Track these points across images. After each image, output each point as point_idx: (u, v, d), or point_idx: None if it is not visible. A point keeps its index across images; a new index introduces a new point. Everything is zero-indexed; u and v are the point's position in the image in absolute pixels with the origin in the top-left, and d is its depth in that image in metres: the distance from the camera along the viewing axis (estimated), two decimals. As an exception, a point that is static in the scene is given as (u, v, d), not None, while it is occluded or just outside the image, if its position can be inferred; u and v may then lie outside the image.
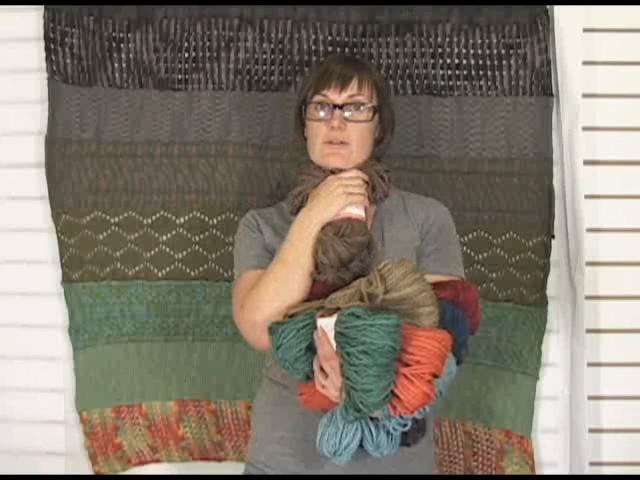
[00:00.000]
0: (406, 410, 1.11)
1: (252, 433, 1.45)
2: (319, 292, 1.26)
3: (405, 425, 1.15)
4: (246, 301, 1.30)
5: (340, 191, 1.30)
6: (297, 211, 1.35)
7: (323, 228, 1.29)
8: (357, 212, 1.31)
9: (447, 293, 1.23)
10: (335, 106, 1.36)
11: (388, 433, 1.16)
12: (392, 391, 1.11)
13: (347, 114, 1.36)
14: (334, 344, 1.12)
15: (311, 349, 1.17)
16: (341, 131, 1.35)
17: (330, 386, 1.14)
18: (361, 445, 1.17)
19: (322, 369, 1.15)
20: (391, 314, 1.10)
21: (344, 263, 1.25)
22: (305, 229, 1.30)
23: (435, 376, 1.11)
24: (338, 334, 1.11)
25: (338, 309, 1.15)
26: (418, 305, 1.14)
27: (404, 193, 1.47)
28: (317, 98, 1.38)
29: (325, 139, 1.37)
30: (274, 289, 1.27)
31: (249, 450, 1.44)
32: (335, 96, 1.37)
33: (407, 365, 1.11)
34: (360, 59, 1.62)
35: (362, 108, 1.37)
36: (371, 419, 1.15)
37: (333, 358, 1.12)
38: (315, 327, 1.15)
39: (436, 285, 1.21)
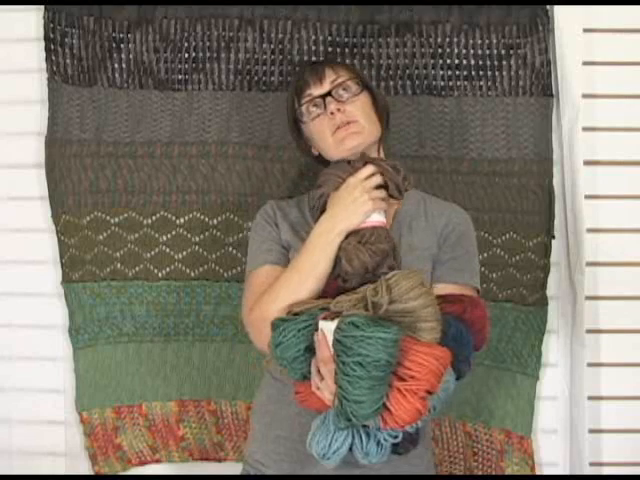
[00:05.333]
0: (396, 424, 1.09)
1: (251, 431, 1.44)
2: (332, 289, 1.25)
3: (396, 437, 1.14)
4: (255, 306, 1.28)
5: (365, 198, 1.25)
6: (319, 215, 1.31)
7: (346, 236, 1.25)
8: (378, 218, 1.27)
9: (454, 308, 1.21)
10: (324, 96, 1.36)
11: (378, 443, 1.14)
12: (384, 404, 1.09)
13: (338, 96, 1.35)
14: (332, 349, 1.12)
15: (310, 350, 1.16)
16: (342, 113, 1.34)
17: (325, 389, 1.13)
18: (351, 449, 1.16)
19: (319, 371, 1.15)
20: (391, 327, 1.08)
21: (369, 271, 1.22)
22: (326, 237, 1.25)
23: (429, 393, 1.09)
24: (336, 341, 1.10)
25: (342, 313, 1.14)
26: (421, 320, 1.12)
27: (426, 196, 1.45)
28: (304, 100, 1.38)
29: (332, 129, 1.35)
30: (284, 298, 1.24)
31: (247, 448, 1.44)
32: (318, 89, 1.37)
33: (402, 379, 1.09)
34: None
35: (348, 84, 1.36)
36: (363, 426, 1.14)
37: (330, 362, 1.11)
38: (317, 328, 1.14)
39: (444, 299, 1.20)
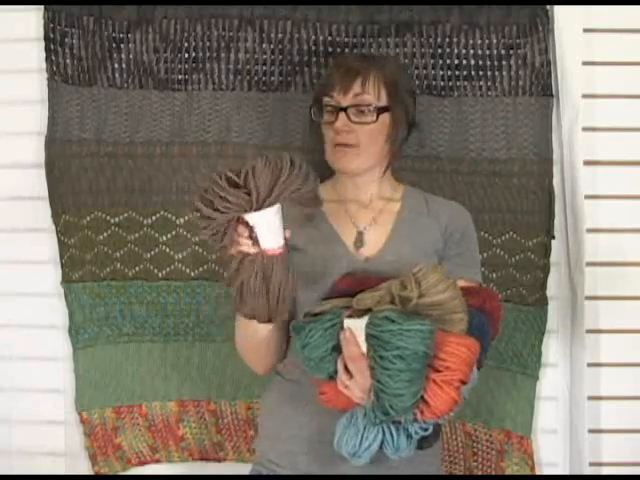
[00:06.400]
0: (433, 415, 1.11)
1: (261, 431, 1.44)
2: (342, 289, 1.25)
3: (427, 429, 1.15)
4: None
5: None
6: None
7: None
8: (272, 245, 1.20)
9: (474, 300, 1.23)
10: (341, 109, 1.36)
11: (408, 436, 1.16)
12: (421, 396, 1.11)
13: (352, 116, 1.35)
14: (363, 345, 1.12)
15: (336, 349, 1.16)
16: (347, 134, 1.35)
17: (354, 387, 1.14)
18: (381, 446, 1.17)
19: (347, 369, 1.15)
20: (425, 320, 1.10)
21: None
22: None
23: (463, 383, 1.11)
24: (371, 337, 1.10)
25: (368, 310, 1.14)
26: (450, 311, 1.14)
27: (427, 195, 1.48)
28: (325, 100, 1.39)
29: (334, 143, 1.37)
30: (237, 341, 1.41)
31: (257, 449, 1.44)
32: (340, 98, 1.37)
33: (437, 371, 1.11)
34: (374, 55, 1.62)
35: (365, 110, 1.36)
36: (393, 422, 1.15)
37: (360, 359, 1.12)
38: (342, 327, 1.15)
39: (463, 291, 1.21)
